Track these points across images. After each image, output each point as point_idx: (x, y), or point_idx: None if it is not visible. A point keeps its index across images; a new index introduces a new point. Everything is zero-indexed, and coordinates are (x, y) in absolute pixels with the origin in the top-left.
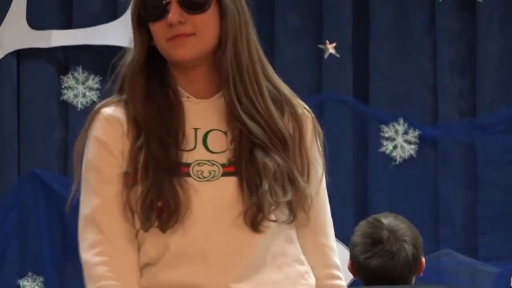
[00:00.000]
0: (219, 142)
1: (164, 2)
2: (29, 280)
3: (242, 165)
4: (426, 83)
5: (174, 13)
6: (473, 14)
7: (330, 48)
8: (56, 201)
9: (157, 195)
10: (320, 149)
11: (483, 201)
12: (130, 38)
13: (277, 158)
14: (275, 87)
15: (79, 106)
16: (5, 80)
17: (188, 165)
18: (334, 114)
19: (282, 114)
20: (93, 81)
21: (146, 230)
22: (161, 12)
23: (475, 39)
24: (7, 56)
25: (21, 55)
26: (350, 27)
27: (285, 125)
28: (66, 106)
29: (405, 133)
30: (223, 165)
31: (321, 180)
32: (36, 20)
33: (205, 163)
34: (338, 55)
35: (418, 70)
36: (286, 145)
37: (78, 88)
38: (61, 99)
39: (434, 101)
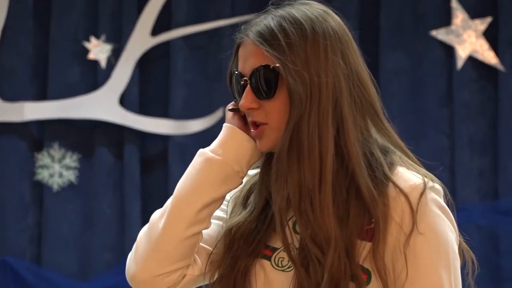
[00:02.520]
0: None
1: (242, 83)
2: None
3: (298, 264)
4: (442, 162)
5: (247, 98)
6: (494, 85)
7: None
8: None
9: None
10: (434, 240)
11: None
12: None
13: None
14: (353, 177)
15: (55, 187)
16: None
17: (274, 249)
18: None
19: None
20: (71, 159)
21: None
22: (240, 94)
23: (497, 113)
24: None
25: None
26: None
27: (349, 223)
28: (40, 187)
29: None
30: (297, 249)
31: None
32: (7, 92)
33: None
34: None
35: (433, 148)
36: (329, 246)
37: (54, 167)
38: (34, 179)
39: (452, 182)
